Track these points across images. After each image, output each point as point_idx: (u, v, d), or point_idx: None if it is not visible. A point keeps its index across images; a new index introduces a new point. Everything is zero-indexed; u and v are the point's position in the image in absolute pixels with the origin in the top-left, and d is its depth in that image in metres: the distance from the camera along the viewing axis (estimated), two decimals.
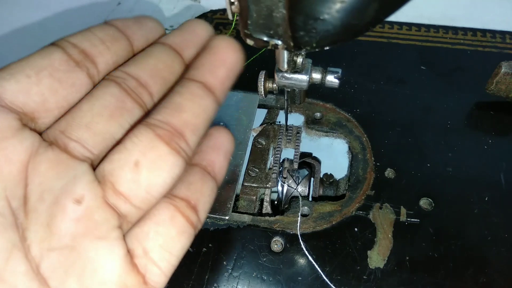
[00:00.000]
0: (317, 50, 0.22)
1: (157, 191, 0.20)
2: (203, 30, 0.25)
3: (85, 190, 0.19)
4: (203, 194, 0.23)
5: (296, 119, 0.46)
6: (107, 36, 0.22)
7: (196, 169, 0.24)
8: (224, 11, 0.60)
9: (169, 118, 0.20)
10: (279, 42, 0.22)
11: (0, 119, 0.18)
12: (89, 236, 0.19)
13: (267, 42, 0.23)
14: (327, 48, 0.22)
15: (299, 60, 0.30)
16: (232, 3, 0.22)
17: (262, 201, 0.42)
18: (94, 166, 0.20)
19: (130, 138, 0.20)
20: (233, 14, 0.23)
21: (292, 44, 0.22)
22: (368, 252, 0.36)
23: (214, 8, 0.61)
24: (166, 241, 0.21)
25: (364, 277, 0.34)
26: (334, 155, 0.45)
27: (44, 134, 0.20)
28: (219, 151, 0.25)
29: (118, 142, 0.21)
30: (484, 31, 0.54)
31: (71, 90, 0.20)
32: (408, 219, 0.37)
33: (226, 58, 0.23)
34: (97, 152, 0.20)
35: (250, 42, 0.23)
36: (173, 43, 0.24)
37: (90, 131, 0.20)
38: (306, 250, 0.36)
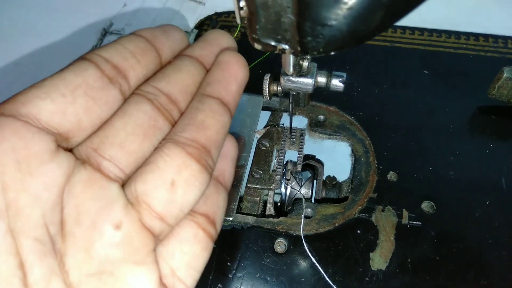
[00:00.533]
0: (323, 55, 0.23)
1: (188, 208, 0.20)
2: (227, 43, 0.25)
3: (122, 214, 0.18)
4: (219, 207, 0.24)
5: (300, 121, 0.47)
6: (137, 49, 0.22)
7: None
8: (228, 13, 0.60)
9: (195, 135, 0.21)
10: (287, 47, 0.23)
11: (38, 142, 0.18)
12: (128, 262, 0.18)
13: (274, 46, 0.23)
14: (333, 53, 0.23)
15: (305, 64, 0.30)
16: (241, 8, 0.23)
17: (265, 202, 0.42)
18: (123, 185, 0.20)
19: (161, 156, 0.20)
20: (241, 18, 0.23)
21: (299, 49, 0.22)
22: (370, 254, 0.36)
23: (219, 10, 0.61)
24: (191, 259, 0.21)
25: (366, 278, 0.35)
26: (337, 157, 0.46)
27: (75, 150, 0.20)
28: (227, 159, 0.25)
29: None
30: (486, 36, 0.54)
31: (105, 108, 0.20)
32: (410, 222, 0.38)
33: (238, 74, 0.24)
34: (128, 172, 0.20)
35: (258, 46, 0.24)
36: (199, 56, 0.24)
37: (123, 150, 0.19)
38: (309, 251, 0.36)
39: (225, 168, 0.25)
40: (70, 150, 0.19)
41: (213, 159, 0.21)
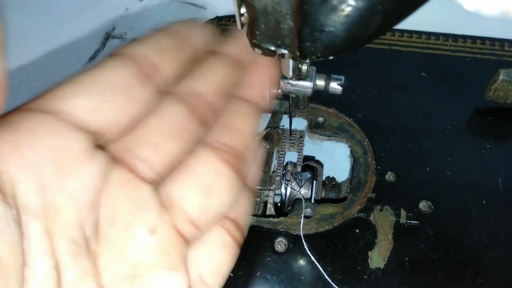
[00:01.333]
0: (322, 59, 0.23)
1: (221, 214, 0.20)
2: None
3: (156, 218, 0.18)
4: (245, 211, 0.23)
5: (300, 123, 0.48)
6: (173, 46, 0.21)
7: None
8: (229, 17, 0.61)
9: (232, 142, 0.20)
10: (286, 52, 0.24)
11: (76, 141, 0.17)
12: (160, 267, 0.18)
13: (274, 51, 0.24)
14: (332, 57, 0.23)
15: (304, 67, 0.31)
16: (241, 15, 0.23)
17: (266, 203, 0.43)
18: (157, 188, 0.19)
19: (198, 162, 0.19)
20: (242, 24, 0.24)
21: (298, 53, 0.23)
22: (369, 252, 0.37)
23: (220, 14, 0.62)
24: (219, 265, 0.21)
25: (365, 276, 0.35)
26: (336, 158, 0.47)
27: (109, 149, 0.19)
28: (255, 163, 0.25)
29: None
30: (483, 39, 0.55)
31: (141, 107, 0.19)
32: (408, 221, 0.39)
33: (273, 77, 0.23)
34: (162, 174, 0.19)
35: (258, 51, 0.24)
36: (233, 55, 0.23)
37: (159, 152, 0.19)
38: (309, 250, 0.37)
39: (251, 171, 0.24)
40: (102, 149, 0.18)
41: (247, 167, 0.21)
